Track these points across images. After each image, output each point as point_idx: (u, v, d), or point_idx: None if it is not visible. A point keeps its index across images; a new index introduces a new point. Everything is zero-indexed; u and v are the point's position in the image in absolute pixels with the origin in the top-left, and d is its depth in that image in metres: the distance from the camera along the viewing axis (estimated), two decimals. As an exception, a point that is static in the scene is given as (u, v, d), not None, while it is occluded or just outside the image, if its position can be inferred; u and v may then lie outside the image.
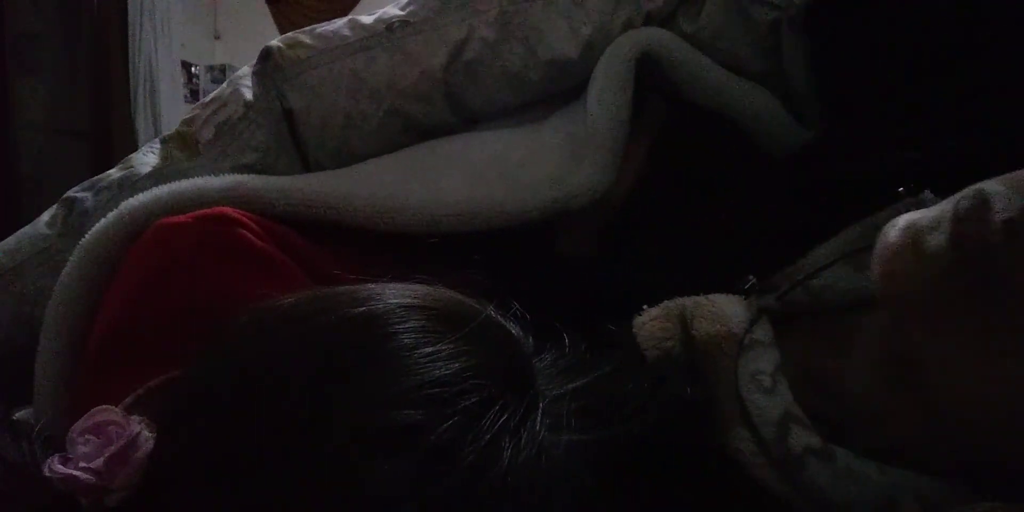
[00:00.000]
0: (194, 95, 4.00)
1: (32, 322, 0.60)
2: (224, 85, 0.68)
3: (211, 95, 0.69)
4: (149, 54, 3.50)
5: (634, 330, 0.49)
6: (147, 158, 0.66)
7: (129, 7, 3.43)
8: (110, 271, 0.56)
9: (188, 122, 0.67)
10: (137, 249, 0.54)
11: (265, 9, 3.82)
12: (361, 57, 0.64)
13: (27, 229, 0.65)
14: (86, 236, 0.58)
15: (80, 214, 0.64)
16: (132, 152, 0.69)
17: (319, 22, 0.69)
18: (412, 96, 0.65)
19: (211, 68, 4.08)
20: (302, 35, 0.67)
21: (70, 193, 0.65)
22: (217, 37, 4.15)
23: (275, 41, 0.66)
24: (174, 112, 3.69)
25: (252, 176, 0.60)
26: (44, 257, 0.63)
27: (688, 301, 0.50)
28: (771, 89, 0.66)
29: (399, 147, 0.66)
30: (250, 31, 3.93)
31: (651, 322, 0.50)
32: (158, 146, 0.67)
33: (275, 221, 0.56)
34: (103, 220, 0.58)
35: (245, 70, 0.68)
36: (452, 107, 0.66)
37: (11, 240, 0.65)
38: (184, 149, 0.66)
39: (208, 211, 0.54)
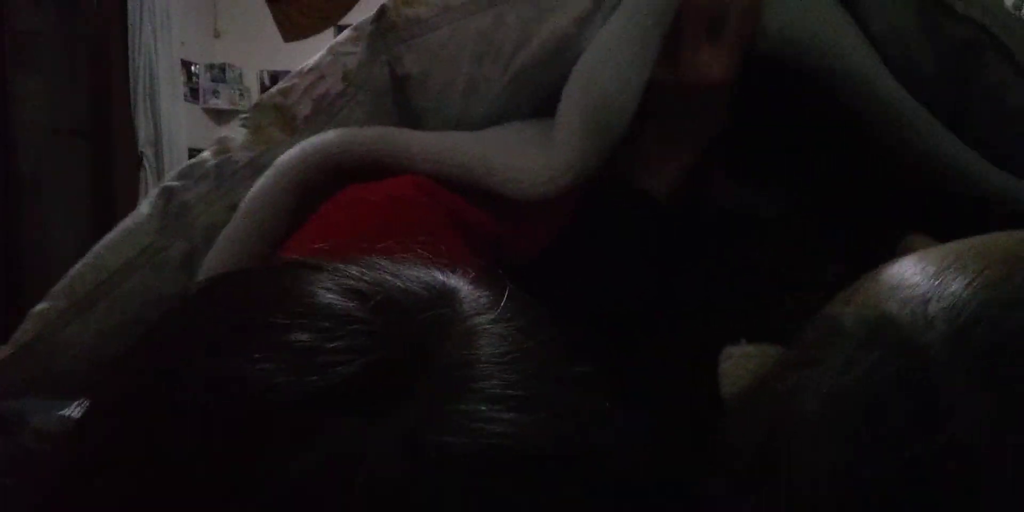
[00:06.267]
0: (193, 94, 4.00)
1: (137, 327, 0.57)
2: (323, 52, 0.61)
3: (309, 63, 0.62)
4: (149, 53, 3.50)
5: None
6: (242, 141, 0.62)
7: (129, 6, 3.42)
8: (280, 231, 0.53)
9: (284, 92, 0.61)
10: (325, 218, 0.52)
11: (265, 7, 3.81)
12: (489, 15, 0.58)
13: (128, 223, 0.61)
14: (246, 200, 0.54)
15: (179, 206, 0.60)
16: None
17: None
18: (541, 59, 0.58)
19: (211, 67, 4.08)
20: None
21: (167, 183, 0.61)
22: (217, 35, 4.15)
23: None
24: (174, 111, 3.69)
25: (399, 130, 0.57)
26: (148, 255, 0.59)
27: None
28: None
29: (523, 116, 0.60)
30: (250, 30, 3.94)
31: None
32: (251, 117, 0.61)
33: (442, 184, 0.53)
34: (259, 182, 0.54)
35: (346, 34, 0.61)
36: None
37: (115, 236, 0.61)
38: (282, 127, 0.61)
39: (399, 191, 0.52)
